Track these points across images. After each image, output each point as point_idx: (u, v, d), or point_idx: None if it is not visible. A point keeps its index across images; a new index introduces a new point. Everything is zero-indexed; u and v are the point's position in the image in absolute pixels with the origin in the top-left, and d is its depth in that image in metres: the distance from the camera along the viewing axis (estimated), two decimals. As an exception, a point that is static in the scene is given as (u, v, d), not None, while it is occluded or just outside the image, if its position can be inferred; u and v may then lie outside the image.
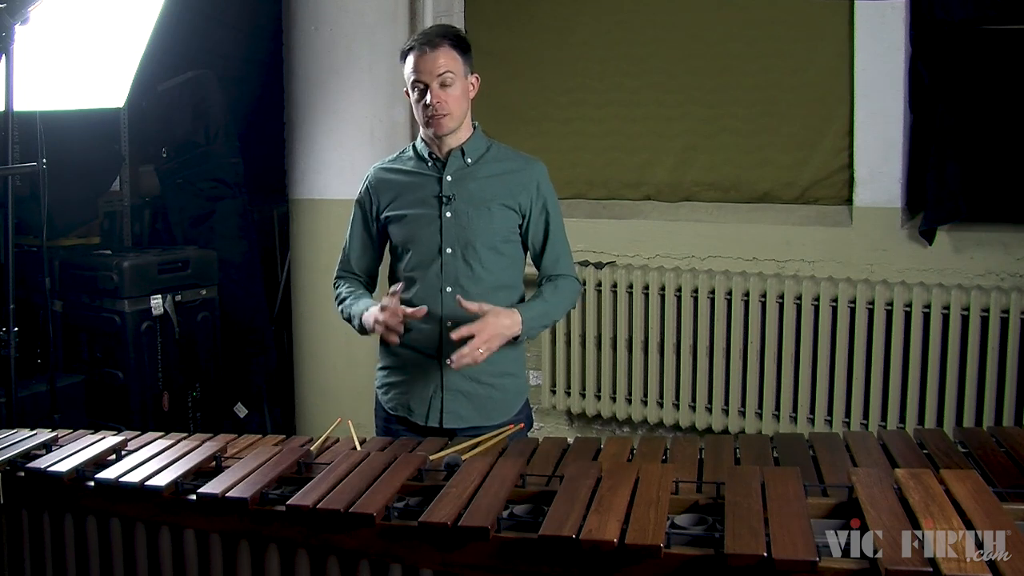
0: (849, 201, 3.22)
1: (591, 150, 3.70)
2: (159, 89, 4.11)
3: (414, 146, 2.15)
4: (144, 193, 4.29)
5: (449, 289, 2.04)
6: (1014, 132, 3.07)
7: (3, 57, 2.41)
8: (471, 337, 1.91)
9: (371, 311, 2.04)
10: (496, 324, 1.94)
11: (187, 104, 4.09)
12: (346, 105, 3.70)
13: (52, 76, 2.95)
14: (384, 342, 2.11)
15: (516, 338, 2.01)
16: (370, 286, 2.24)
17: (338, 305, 2.17)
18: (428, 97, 1.99)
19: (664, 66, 3.49)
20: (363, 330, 2.08)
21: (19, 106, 2.56)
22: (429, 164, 2.10)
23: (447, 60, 1.99)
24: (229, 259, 4.06)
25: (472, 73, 2.07)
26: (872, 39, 3.09)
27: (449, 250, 2.05)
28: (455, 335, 1.92)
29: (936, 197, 3.00)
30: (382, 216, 2.13)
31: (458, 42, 2.03)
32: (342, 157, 3.70)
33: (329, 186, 3.73)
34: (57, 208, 3.45)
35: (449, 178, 2.06)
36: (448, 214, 2.05)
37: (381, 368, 2.19)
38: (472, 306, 1.94)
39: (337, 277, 2.24)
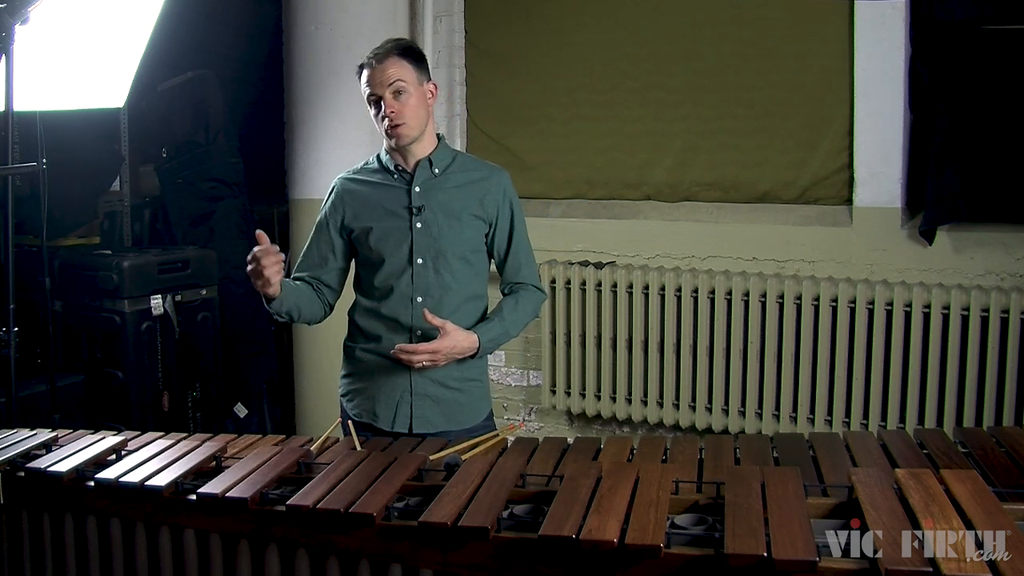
0: (849, 201, 3.22)
1: (591, 150, 3.70)
2: (159, 89, 4.11)
3: (379, 157, 2.15)
4: (144, 193, 4.29)
5: (420, 299, 2.05)
6: (1014, 132, 3.07)
7: (3, 57, 2.41)
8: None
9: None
10: (453, 346, 2.00)
11: (187, 104, 4.09)
12: (346, 105, 3.69)
13: (52, 76, 2.94)
14: (346, 351, 2.16)
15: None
16: (319, 290, 2.16)
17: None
18: (383, 108, 2.01)
19: (664, 66, 3.50)
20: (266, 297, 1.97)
21: (19, 106, 2.55)
22: (395, 176, 2.10)
23: (396, 70, 2.01)
24: (229, 259, 4.06)
25: (428, 81, 2.08)
26: (872, 39, 3.09)
27: (420, 260, 2.06)
28: (415, 356, 1.97)
29: (936, 197, 3.01)
30: (349, 227, 2.12)
31: (407, 52, 2.04)
32: (342, 157, 3.69)
33: (329, 186, 3.72)
34: (57, 208, 3.45)
35: (418, 189, 2.07)
36: (419, 224, 2.06)
37: (345, 376, 2.21)
38: (436, 321, 1.98)
39: None
